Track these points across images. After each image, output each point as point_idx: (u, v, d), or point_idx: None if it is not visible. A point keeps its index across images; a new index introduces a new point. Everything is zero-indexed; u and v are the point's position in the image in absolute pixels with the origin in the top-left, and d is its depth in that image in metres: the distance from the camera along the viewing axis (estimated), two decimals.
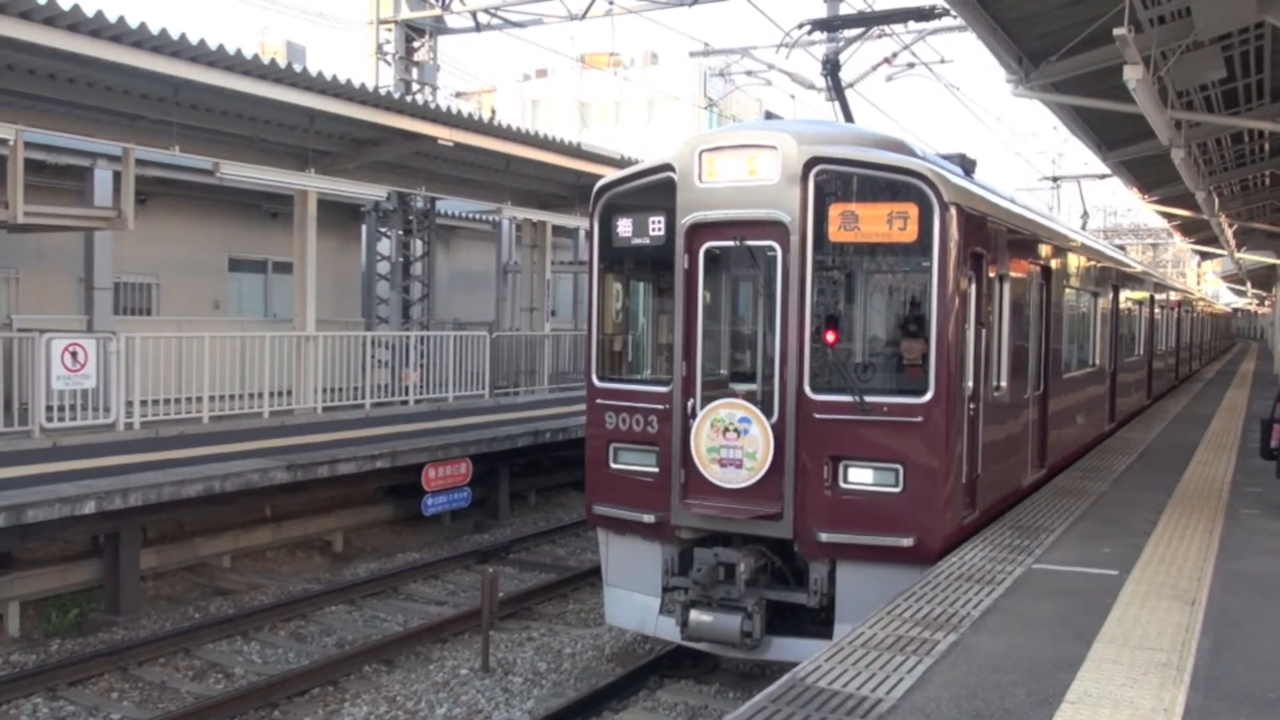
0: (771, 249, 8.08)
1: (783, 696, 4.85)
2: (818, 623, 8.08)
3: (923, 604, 6.31)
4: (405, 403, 17.77)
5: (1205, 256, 50.43)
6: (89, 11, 10.72)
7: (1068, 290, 12.30)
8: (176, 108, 13.46)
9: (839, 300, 8.18)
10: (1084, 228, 25.85)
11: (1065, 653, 5.44)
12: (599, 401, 8.85)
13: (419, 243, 20.86)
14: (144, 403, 13.48)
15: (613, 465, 8.76)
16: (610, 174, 9.07)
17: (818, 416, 7.90)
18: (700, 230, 8.30)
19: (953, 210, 7.72)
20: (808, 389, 7.93)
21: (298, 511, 13.59)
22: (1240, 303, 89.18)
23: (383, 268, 20.85)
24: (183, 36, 11.69)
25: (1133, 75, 9.91)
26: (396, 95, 16.07)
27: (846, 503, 7.86)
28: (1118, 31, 9.19)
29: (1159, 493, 10.22)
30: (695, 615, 8.04)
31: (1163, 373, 23.22)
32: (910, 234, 7.73)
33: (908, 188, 7.74)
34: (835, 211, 7.88)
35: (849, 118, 10.81)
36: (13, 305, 16.12)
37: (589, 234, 9.08)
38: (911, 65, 20.99)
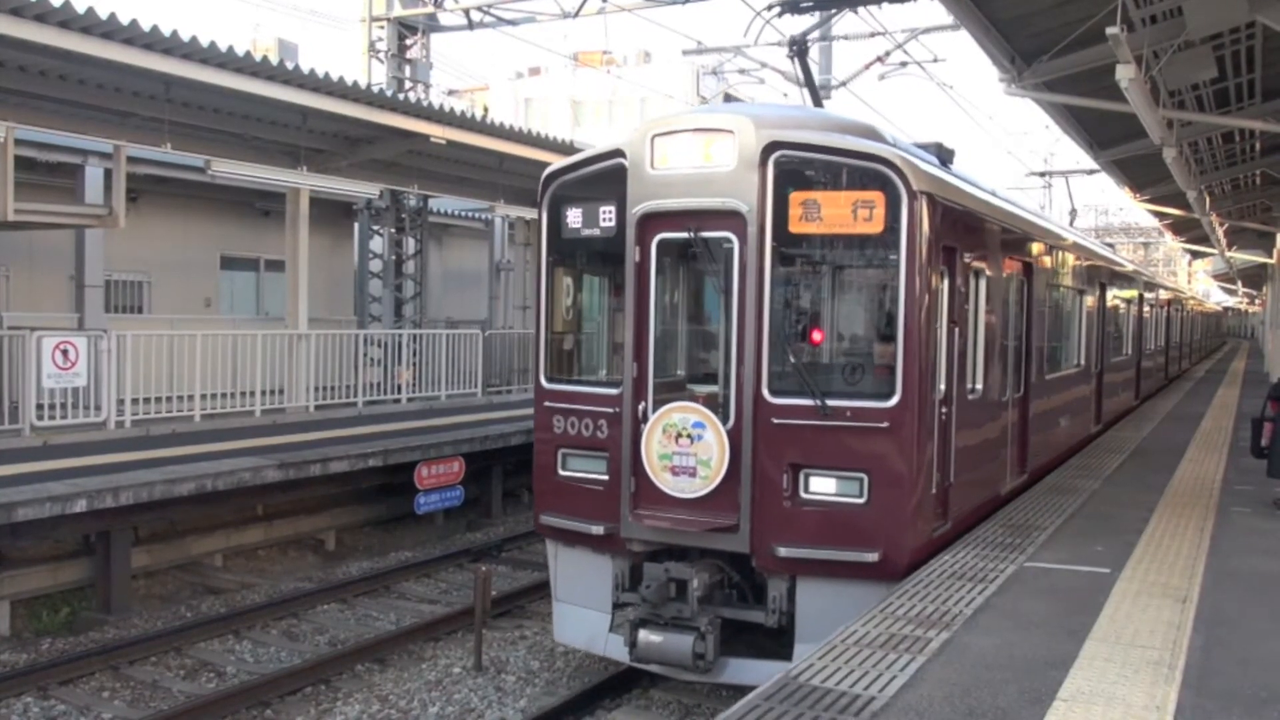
0: (728, 241, 7.58)
1: (776, 694, 4.86)
2: (781, 642, 7.60)
3: (915, 602, 6.32)
4: (398, 401, 17.74)
5: (1196, 255, 50.61)
6: (80, 8, 10.68)
7: (1051, 287, 11.89)
8: (168, 105, 13.41)
9: (800, 296, 7.76)
10: (1072, 224, 25.65)
11: (1058, 650, 5.45)
12: (547, 404, 8.38)
13: (412, 241, 20.83)
14: (135, 401, 13.43)
15: (561, 472, 8.30)
16: (560, 160, 8.54)
17: (776, 421, 7.39)
18: (652, 221, 7.79)
19: (923, 200, 7.23)
20: (766, 392, 7.43)
21: (290, 510, 13.56)
22: (1231, 302, 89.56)
23: (375, 266, 20.83)
24: (174, 34, 11.65)
25: (1125, 74, 9.93)
26: (389, 93, 16.02)
27: (807, 514, 7.36)
28: (1110, 31, 9.21)
29: (1151, 491, 10.25)
30: (644, 635, 7.53)
31: (1152, 372, 22.95)
32: (876, 225, 7.22)
33: (873, 175, 7.23)
34: (796, 201, 7.38)
35: (818, 102, 10.30)
36: (3, 303, 16.04)
37: (536, 225, 8.63)
38: (904, 64, 21.04)
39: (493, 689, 8.94)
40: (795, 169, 7.42)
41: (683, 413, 7.56)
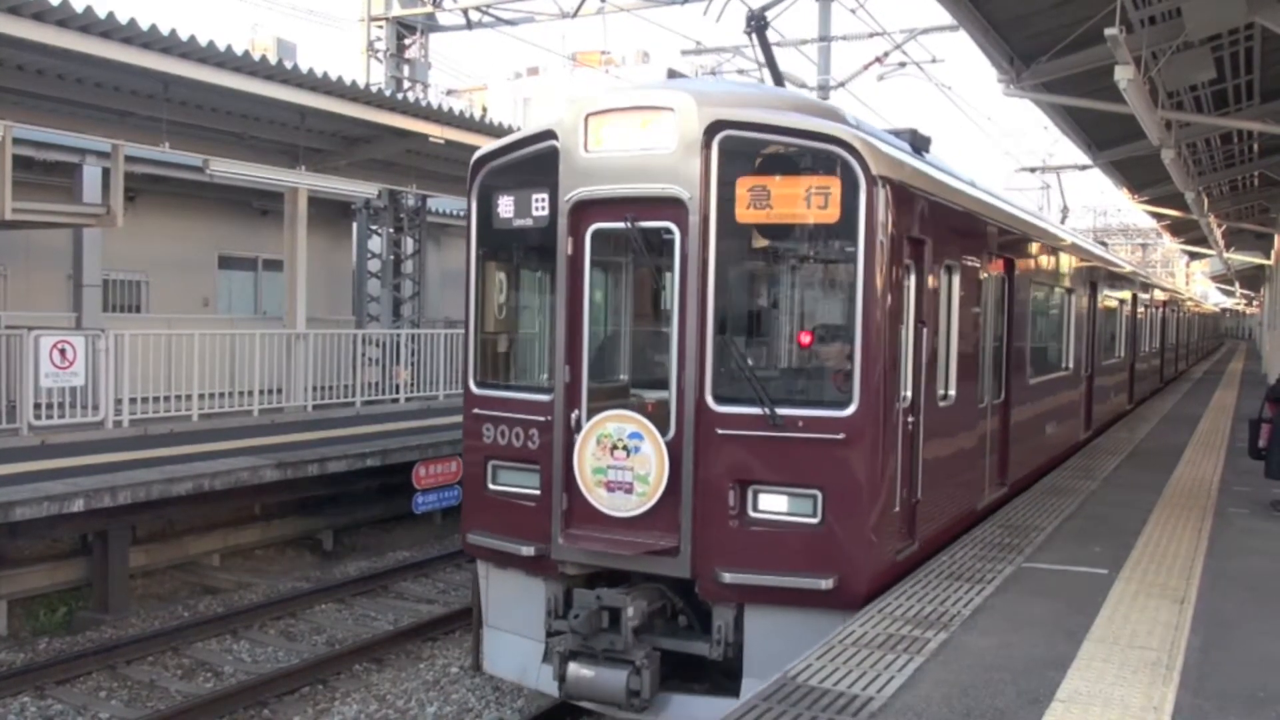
0: (668, 231, 6.83)
1: (774, 695, 4.85)
2: (730, 675, 6.84)
3: (913, 602, 6.31)
4: (396, 401, 17.74)
5: (1194, 256, 50.71)
6: (79, 7, 10.68)
7: (1036, 286, 11.18)
8: (166, 104, 13.41)
9: (748, 293, 7.15)
10: (1064, 222, 25.25)
11: (1056, 651, 5.45)
12: (476, 411, 7.64)
13: (410, 240, 20.83)
14: (133, 400, 13.43)
15: (491, 486, 7.55)
16: (490, 144, 7.80)
17: (721, 432, 6.65)
18: (586, 209, 7.02)
19: (883, 186, 6.51)
20: (710, 399, 6.68)
21: (287, 510, 13.54)
22: (1229, 303, 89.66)
23: (373, 265, 20.82)
24: (173, 33, 11.65)
25: (1124, 75, 9.95)
26: (388, 93, 16.02)
27: (756, 535, 6.63)
28: (1109, 32, 9.23)
29: (1148, 492, 10.26)
30: (574, 669, 6.76)
31: (1146, 375, 22.44)
32: (831, 214, 6.50)
33: (828, 158, 6.50)
34: (743, 187, 6.63)
35: (779, 83, 9.52)
36: (1, 302, 16.04)
37: (466, 214, 7.88)
38: (903, 65, 21.06)
39: (490, 689, 8.93)
40: (742, 151, 6.69)
41: (618, 422, 6.81)
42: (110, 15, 10.97)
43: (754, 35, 9.28)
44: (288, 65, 13.40)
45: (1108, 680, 5.03)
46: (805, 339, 7.01)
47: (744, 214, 6.67)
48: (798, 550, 6.56)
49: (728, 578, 6.59)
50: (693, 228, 6.69)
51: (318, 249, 19.44)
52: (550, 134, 7.15)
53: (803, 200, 6.57)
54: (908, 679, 5.02)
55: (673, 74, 7.64)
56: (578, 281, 7.11)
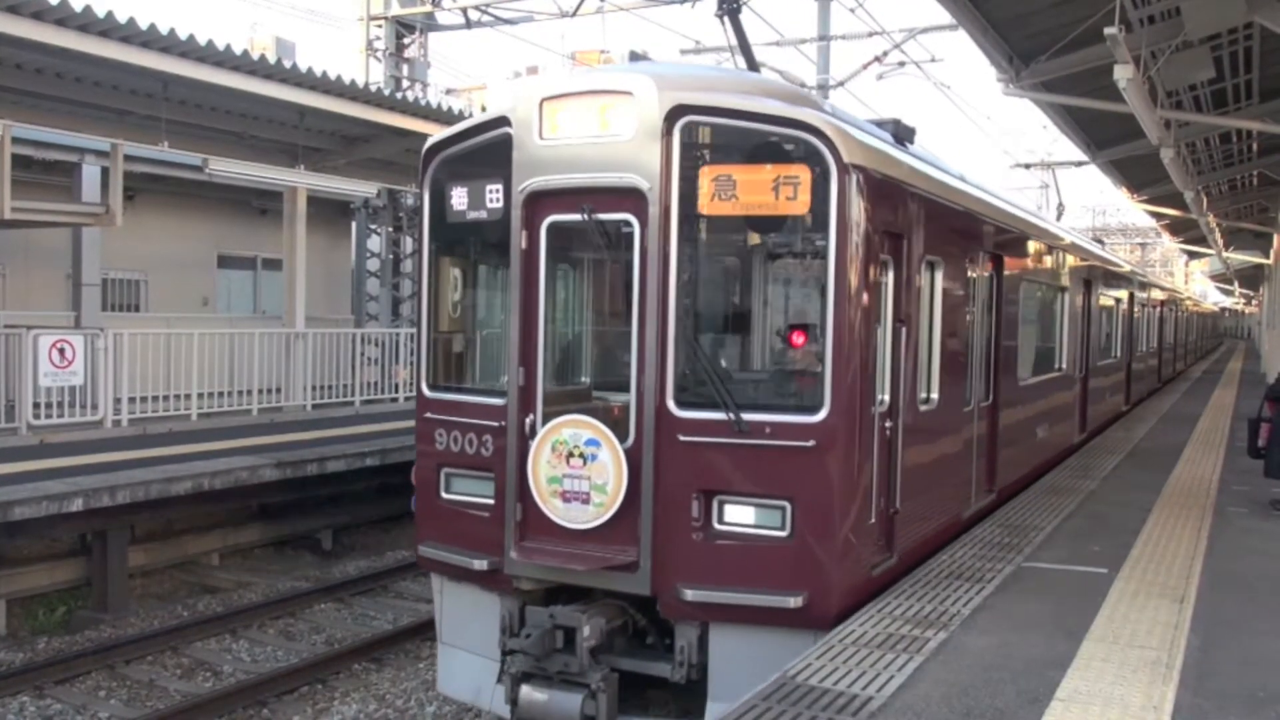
0: (627, 224, 6.40)
1: (774, 694, 4.85)
2: (697, 695, 6.45)
3: (913, 602, 6.31)
4: (395, 400, 17.73)
5: (1193, 256, 50.72)
6: (77, 6, 10.68)
7: (1027, 284, 10.72)
8: (165, 103, 13.41)
9: (712, 290, 6.74)
10: (1059, 219, 24.82)
11: (1055, 651, 5.45)
12: (428, 415, 7.30)
13: (409, 240, 20.83)
14: (132, 400, 13.43)
15: (444, 495, 7.22)
16: (442, 131, 7.38)
17: (684, 439, 6.21)
18: (541, 200, 6.59)
19: (856, 175, 6.10)
20: (671, 404, 6.25)
21: (287, 509, 13.54)
22: (1228, 302, 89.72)
23: (373, 265, 20.83)
24: (172, 32, 11.65)
25: (1123, 74, 9.96)
26: (387, 92, 16.03)
27: (721, 550, 6.19)
28: (1108, 31, 9.24)
29: (1148, 491, 10.26)
30: (526, 692, 6.36)
31: (1143, 375, 22.17)
32: (801, 204, 6.10)
33: (796, 145, 6.09)
34: (707, 176, 6.23)
35: (753, 68, 9.13)
36: (0, 301, 16.04)
37: (419, 206, 7.47)
38: (902, 64, 21.07)
39: None
40: (706, 138, 6.32)
41: (574, 427, 6.38)
42: (109, 14, 10.97)
43: (725, 19, 8.88)
44: (287, 64, 13.41)
45: (1107, 679, 5.03)
46: (799, 339, 6.61)
47: (708, 205, 6.26)
48: (765, 565, 6.14)
49: (690, 595, 6.17)
50: (653, 220, 6.26)
51: (317, 248, 19.43)
52: (504, 120, 6.72)
53: (770, 190, 6.15)
54: (907, 678, 5.02)
55: (635, 56, 7.03)
56: (532, 277, 6.67)
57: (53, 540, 10.92)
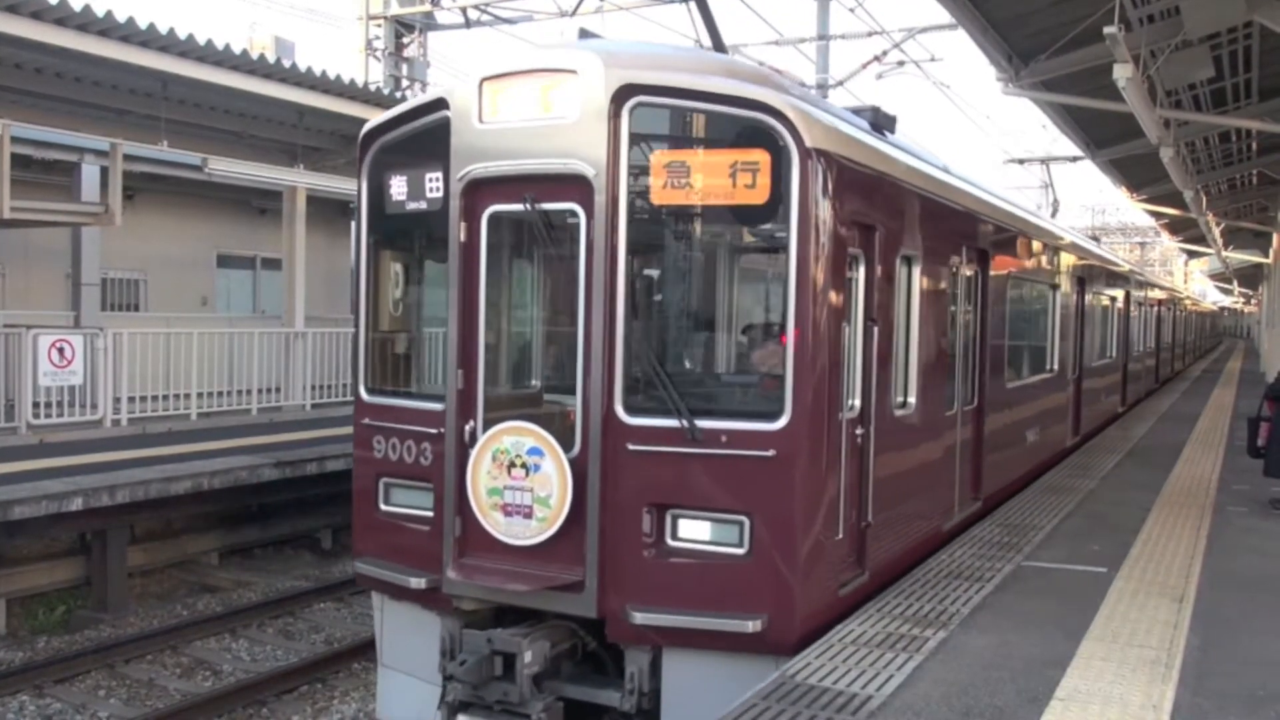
0: (572, 214, 5.92)
1: (773, 694, 4.85)
2: None
3: (912, 601, 6.32)
4: None
5: (1192, 255, 50.75)
6: (77, 5, 10.68)
7: (1016, 282, 10.26)
8: (165, 103, 13.41)
9: (664, 287, 6.31)
10: (1054, 217, 24.45)
11: (1055, 650, 5.45)
12: (366, 421, 6.84)
13: None
14: (131, 399, 13.43)
15: (383, 507, 6.80)
16: (380, 115, 6.90)
17: (633, 448, 5.74)
18: (481, 189, 6.12)
19: (819, 161, 5.60)
20: (620, 410, 5.77)
21: (286, 509, 13.54)
22: (1227, 301, 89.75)
23: None
24: (171, 31, 11.65)
25: (1122, 74, 9.97)
26: (386, 91, 16.03)
27: (674, 569, 5.73)
28: (1108, 30, 9.24)
29: (1147, 490, 10.26)
30: None
31: (1140, 375, 21.76)
32: (760, 193, 5.60)
33: (755, 128, 5.59)
34: (659, 162, 5.76)
35: (720, 50, 8.46)
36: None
37: (356, 197, 7.00)
38: (901, 63, 21.08)
39: None
40: (657, 121, 5.86)
41: (515, 435, 5.90)
42: (108, 14, 10.98)
43: (692, 1, 8.35)
44: (286, 64, 13.42)
45: (1107, 679, 5.04)
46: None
47: (660, 194, 5.79)
48: (722, 586, 5.67)
49: (640, 617, 5.69)
50: (599, 209, 5.76)
51: (316, 248, 19.41)
52: (442, 103, 6.27)
53: (727, 177, 5.66)
54: (907, 677, 5.02)
55: (585, 34, 6.62)
56: (473, 272, 6.20)
57: (52, 540, 10.92)
